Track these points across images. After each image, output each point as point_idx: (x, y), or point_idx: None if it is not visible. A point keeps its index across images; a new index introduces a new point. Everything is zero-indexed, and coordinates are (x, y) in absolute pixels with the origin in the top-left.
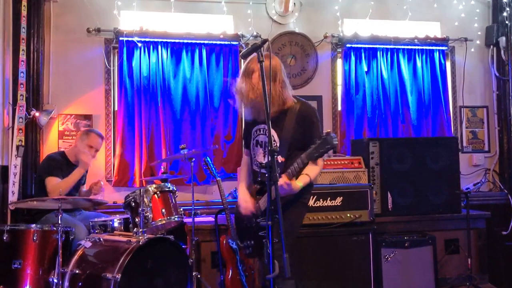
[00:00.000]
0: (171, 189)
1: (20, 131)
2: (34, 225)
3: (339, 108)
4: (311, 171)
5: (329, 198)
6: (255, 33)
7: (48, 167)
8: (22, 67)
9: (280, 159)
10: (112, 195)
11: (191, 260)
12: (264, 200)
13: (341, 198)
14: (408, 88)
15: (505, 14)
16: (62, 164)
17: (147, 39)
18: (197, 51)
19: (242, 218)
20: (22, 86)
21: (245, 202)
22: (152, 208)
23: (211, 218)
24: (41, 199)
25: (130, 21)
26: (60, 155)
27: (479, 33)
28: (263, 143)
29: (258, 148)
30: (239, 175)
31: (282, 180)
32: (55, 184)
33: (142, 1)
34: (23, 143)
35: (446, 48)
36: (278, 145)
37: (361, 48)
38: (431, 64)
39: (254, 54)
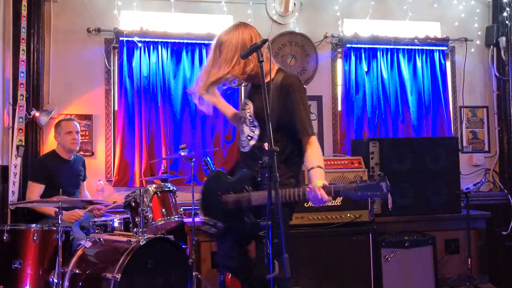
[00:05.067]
0: (171, 189)
1: (20, 131)
2: (34, 225)
3: (339, 108)
4: (319, 158)
5: None
6: None
7: (36, 171)
8: (22, 67)
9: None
10: (112, 195)
11: (191, 260)
12: (258, 195)
13: (341, 198)
14: (408, 88)
15: (505, 14)
16: (53, 165)
17: (147, 39)
18: (197, 51)
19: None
20: (22, 86)
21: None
22: (152, 208)
23: None
24: (41, 201)
25: (130, 21)
26: (52, 155)
27: (479, 33)
28: (242, 118)
29: (242, 125)
30: None
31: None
32: (36, 194)
33: (142, 1)
34: (23, 143)
35: (446, 48)
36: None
37: (361, 48)
38: (431, 64)
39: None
